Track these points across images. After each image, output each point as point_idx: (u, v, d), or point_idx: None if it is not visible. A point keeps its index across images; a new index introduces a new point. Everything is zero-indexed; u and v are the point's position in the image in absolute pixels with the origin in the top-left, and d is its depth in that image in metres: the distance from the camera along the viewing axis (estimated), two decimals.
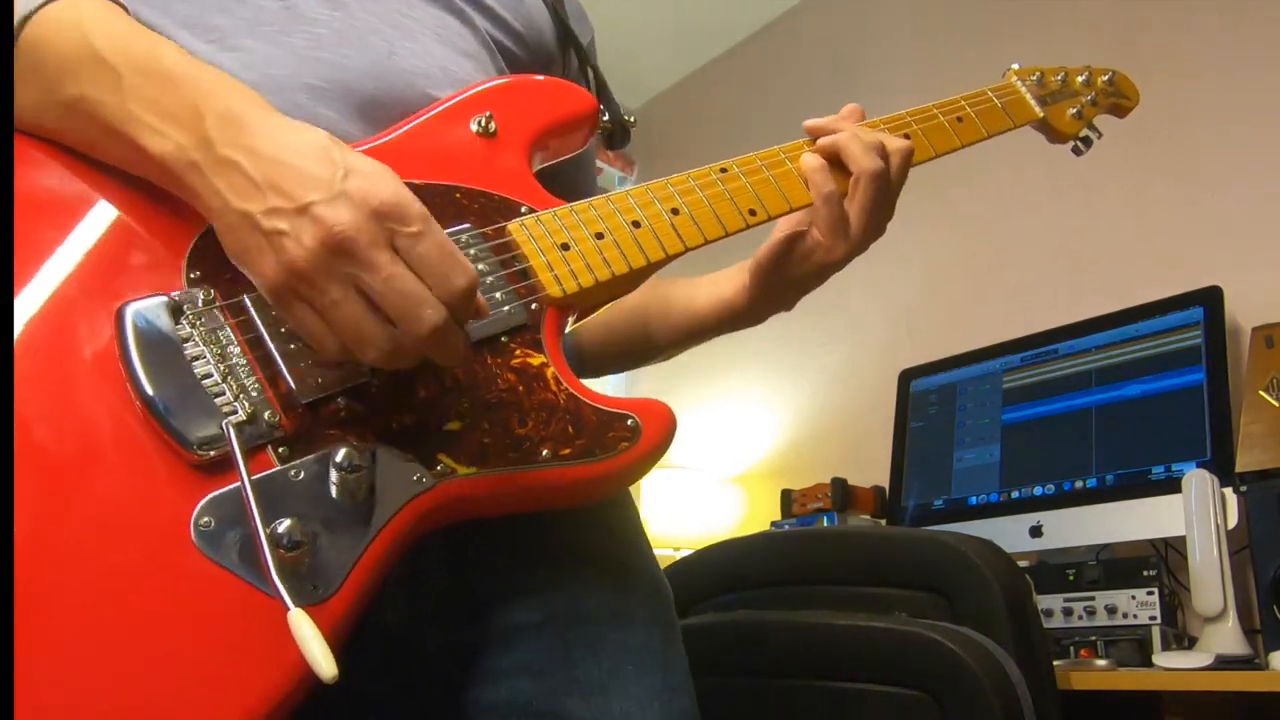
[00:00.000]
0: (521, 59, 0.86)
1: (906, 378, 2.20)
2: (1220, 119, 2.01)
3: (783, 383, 2.78)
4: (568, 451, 0.64)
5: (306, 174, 0.55)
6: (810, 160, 0.80)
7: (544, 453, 0.63)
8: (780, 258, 0.84)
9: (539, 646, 0.70)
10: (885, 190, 0.80)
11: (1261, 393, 1.56)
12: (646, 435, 0.65)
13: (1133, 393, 1.76)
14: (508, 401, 0.64)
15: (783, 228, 0.84)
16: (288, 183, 0.55)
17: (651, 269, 0.73)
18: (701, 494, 2.71)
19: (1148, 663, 1.47)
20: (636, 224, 0.73)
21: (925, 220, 2.22)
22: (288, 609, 0.51)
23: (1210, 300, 1.72)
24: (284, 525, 0.54)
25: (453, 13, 0.81)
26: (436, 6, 0.80)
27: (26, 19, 0.60)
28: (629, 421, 0.65)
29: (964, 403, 2.05)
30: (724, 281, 0.89)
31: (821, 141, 0.82)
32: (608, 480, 0.66)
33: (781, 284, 0.85)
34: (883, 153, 0.80)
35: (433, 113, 0.72)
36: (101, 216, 0.60)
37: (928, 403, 2.13)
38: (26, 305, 0.56)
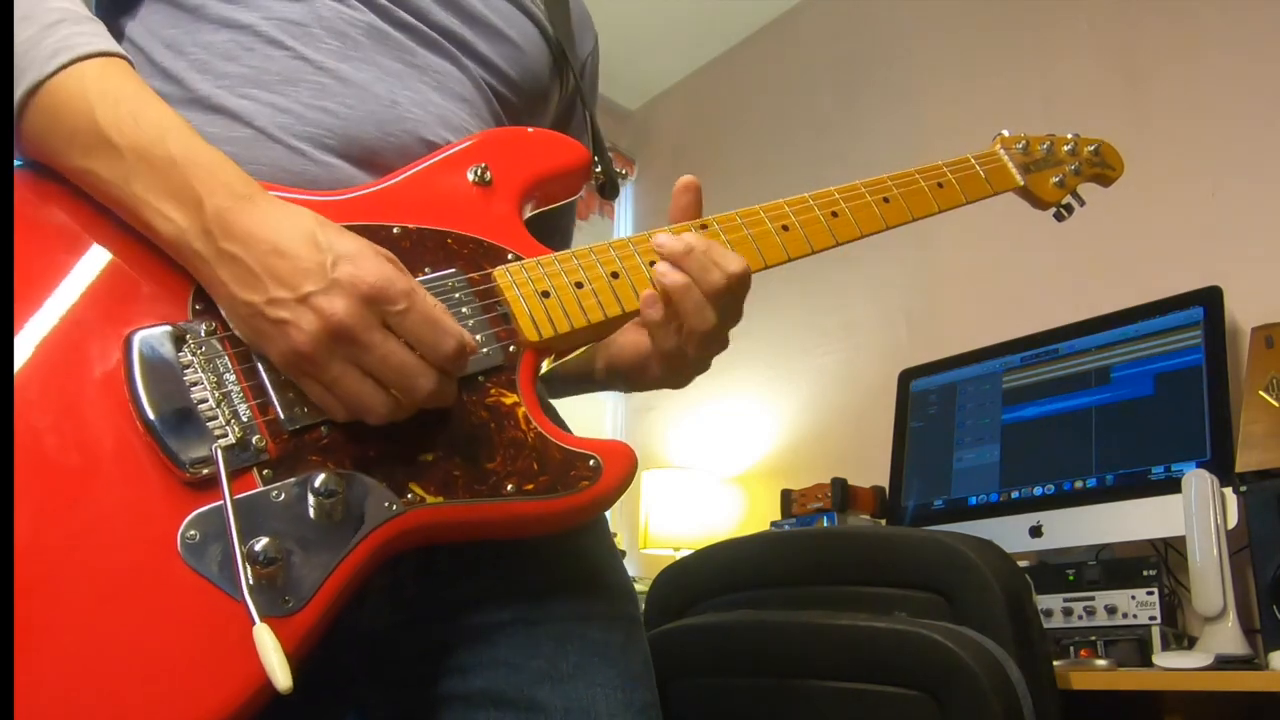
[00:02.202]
0: (515, 104, 0.89)
1: (906, 378, 2.20)
2: (1221, 119, 2.00)
3: (783, 383, 2.78)
4: (531, 487, 0.67)
5: (300, 263, 0.60)
6: (648, 295, 0.74)
7: (509, 487, 0.67)
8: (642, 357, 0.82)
9: (512, 643, 0.74)
10: (712, 338, 0.75)
11: (1261, 393, 1.55)
12: (607, 475, 0.69)
13: (1133, 393, 1.76)
14: (479, 437, 0.68)
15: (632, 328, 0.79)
16: (285, 273, 0.60)
17: (626, 318, 0.76)
18: (701, 494, 2.71)
19: (1148, 663, 1.47)
20: (615, 275, 0.76)
21: (925, 220, 2.22)
22: (254, 622, 0.56)
23: (1210, 300, 1.71)
24: (261, 543, 0.58)
25: (450, 60, 0.84)
26: (435, 54, 0.83)
27: (37, 87, 0.63)
28: (591, 461, 0.69)
29: (964, 403, 2.05)
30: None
31: (663, 284, 0.73)
32: (567, 515, 0.69)
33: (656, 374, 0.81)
34: (713, 293, 0.72)
35: (432, 161, 0.77)
36: (118, 248, 0.65)
37: (928, 403, 2.13)
38: (44, 325, 0.61)
